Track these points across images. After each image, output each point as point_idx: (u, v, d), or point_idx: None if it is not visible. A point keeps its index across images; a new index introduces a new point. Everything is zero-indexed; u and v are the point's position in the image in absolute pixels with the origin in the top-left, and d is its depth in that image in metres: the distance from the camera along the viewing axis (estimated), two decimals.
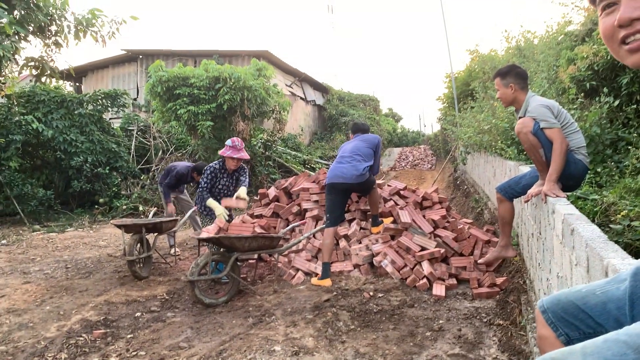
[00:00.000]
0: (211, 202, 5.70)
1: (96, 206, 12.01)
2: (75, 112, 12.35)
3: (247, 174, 6.18)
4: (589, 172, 3.83)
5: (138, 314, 4.79)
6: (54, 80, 8.72)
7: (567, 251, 2.44)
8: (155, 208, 8.84)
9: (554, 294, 1.42)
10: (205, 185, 5.82)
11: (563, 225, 2.54)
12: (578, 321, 1.32)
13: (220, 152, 5.86)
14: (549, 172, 3.29)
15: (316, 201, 6.52)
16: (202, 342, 3.92)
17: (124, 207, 11.60)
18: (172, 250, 7.29)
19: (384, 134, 28.48)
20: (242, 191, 5.77)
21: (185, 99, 11.09)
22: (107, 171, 12.38)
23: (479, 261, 5.04)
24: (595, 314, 1.29)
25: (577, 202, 3.54)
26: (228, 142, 5.84)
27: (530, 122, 3.42)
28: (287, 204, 6.76)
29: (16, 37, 6.64)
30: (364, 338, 3.84)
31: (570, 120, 3.51)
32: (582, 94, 5.49)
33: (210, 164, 5.94)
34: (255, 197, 7.73)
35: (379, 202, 6.05)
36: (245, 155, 5.86)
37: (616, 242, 2.59)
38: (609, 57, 5.21)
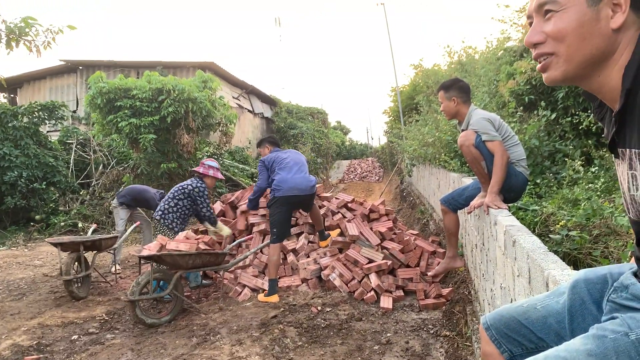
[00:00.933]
0: (222, 226, 6.11)
1: (32, 223, 11.42)
2: (9, 124, 11.74)
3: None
4: (528, 183, 3.93)
5: (75, 336, 4.54)
6: None
7: (510, 262, 2.47)
8: (95, 224, 8.48)
9: (497, 310, 1.41)
10: (209, 206, 5.93)
11: (505, 237, 2.57)
12: (520, 337, 1.31)
13: (202, 171, 5.93)
14: (491, 184, 3.35)
15: (263, 215, 6.43)
16: None
17: (62, 223, 11.09)
18: (113, 268, 7.00)
19: (333, 146, 28.66)
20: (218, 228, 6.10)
21: (126, 111, 10.76)
22: (44, 186, 11.81)
23: (429, 274, 5.08)
24: (536, 329, 1.28)
25: (518, 213, 3.62)
26: (210, 162, 6.02)
27: (472, 135, 3.48)
28: (234, 219, 6.63)
29: None
30: (311, 354, 3.77)
31: (511, 133, 3.59)
32: (522, 108, 5.67)
33: (200, 186, 5.87)
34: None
35: (320, 216, 6.01)
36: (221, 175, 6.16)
37: (555, 252, 2.65)
38: None
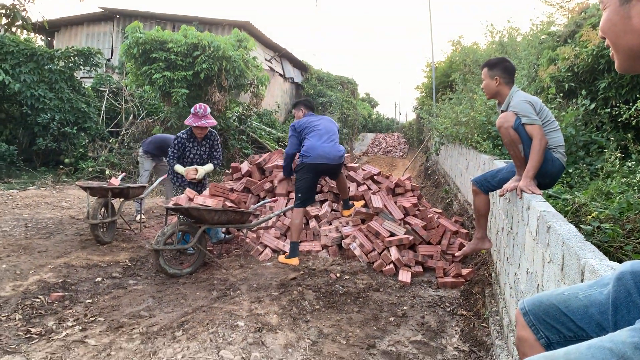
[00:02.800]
0: (178, 168, 5.67)
1: (61, 166, 11.67)
2: (45, 67, 11.89)
3: (220, 146, 6.09)
4: None
5: (98, 279, 4.68)
6: (24, 32, 8.33)
7: (541, 248, 2.45)
8: (124, 173, 8.63)
9: (536, 296, 1.40)
10: (173, 155, 5.74)
11: (538, 222, 2.54)
12: (559, 324, 1.30)
13: (185, 122, 5.72)
14: (527, 168, 3.30)
15: (289, 179, 6.46)
16: (163, 312, 3.85)
17: (90, 169, 11.31)
18: (138, 217, 7.15)
19: (359, 118, 28.47)
20: (208, 167, 5.88)
21: (161, 63, 10.79)
22: (75, 131, 12.02)
23: (456, 254, 5.07)
24: (577, 318, 1.28)
25: (548, 201, 3.58)
26: (192, 109, 5.71)
27: (511, 117, 3.42)
28: (260, 180, 6.68)
29: None
30: (328, 319, 3.83)
31: (552, 118, 3.52)
32: (561, 94, 5.54)
33: (178, 134, 5.79)
34: (227, 171, 7.62)
35: (347, 186, 6.02)
36: (210, 121, 5.70)
37: None
38: (589, 60, 5.27)
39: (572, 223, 3.05)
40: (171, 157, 5.73)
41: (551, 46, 6.97)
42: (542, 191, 3.55)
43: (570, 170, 4.52)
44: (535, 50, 7.45)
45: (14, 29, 6.87)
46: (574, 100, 5.43)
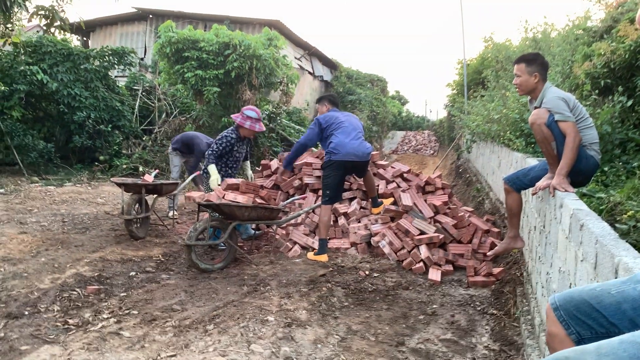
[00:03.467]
0: (212, 168, 5.66)
1: (96, 163, 11.97)
2: (81, 66, 12.20)
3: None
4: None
5: (132, 273, 4.79)
6: (61, 32, 8.57)
7: (573, 246, 2.42)
8: (157, 170, 8.79)
9: (566, 292, 1.39)
10: (216, 151, 5.71)
11: (571, 220, 2.51)
12: (591, 320, 1.29)
13: (239, 122, 5.75)
14: (560, 166, 3.25)
15: (318, 176, 6.49)
16: (195, 306, 3.93)
17: (124, 166, 11.56)
18: (171, 213, 7.29)
19: (389, 116, 28.31)
20: (250, 174, 6.36)
21: (193, 62, 10.96)
22: (110, 129, 12.30)
23: (488, 253, 5.01)
24: (609, 314, 1.27)
25: (582, 199, 3.51)
26: (249, 112, 5.77)
27: (545, 114, 3.36)
28: (289, 177, 6.73)
29: None
30: (357, 315, 3.85)
31: (586, 115, 3.45)
32: (596, 91, 5.42)
33: (226, 134, 5.81)
34: (257, 168, 7.70)
35: (374, 183, 6.01)
36: (262, 127, 5.96)
37: None
38: (626, 56, 5.13)
39: (606, 222, 3.00)
40: (212, 153, 5.72)
41: (586, 42, 6.82)
42: (576, 189, 3.49)
43: (606, 169, 4.42)
44: (570, 47, 7.30)
45: (52, 29, 7.10)
46: (610, 97, 5.31)
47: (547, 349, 1.43)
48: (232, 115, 6.06)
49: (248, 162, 6.31)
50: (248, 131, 5.80)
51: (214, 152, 5.71)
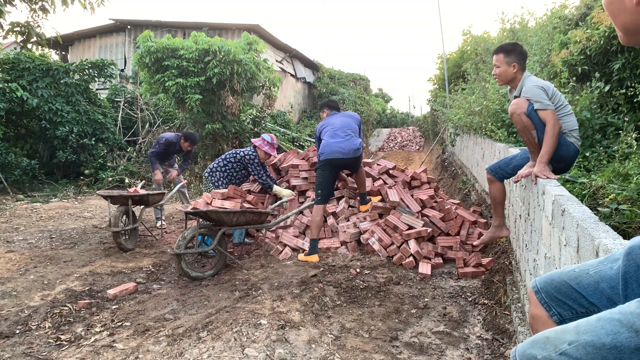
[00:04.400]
0: (277, 189, 6.23)
1: (81, 177, 11.89)
2: (61, 81, 12.12)
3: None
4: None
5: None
6: (39, 48, 8.51)
7: (557, 232, 2.46)
8: (144, 180, 8.75)
9: (547, 274, 1.42)
10: (264, 172, 6.25)
11: (553, 206, 2.55)
12: (571, 301, 1.32)
13: (258, 144, 6.14)
14: (541, 153, 3.29)
15: (305, 178, 6.50)
16: (187, 314, 3.92)
17: (110, 179, 11.49)
18: (159, 223, 7.26)
19: (373, 114, 28.39)
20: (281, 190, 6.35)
21: (174, 71, 10.91)
22: (93, 142, 12.22)
23: (474, 243, 5.06)
24: (588, 294, 1.29)
25: (565, 185, 3.55)
26: (268, 138, 6.18)
27: (524, 103, 3.41)
28: (277, 180, 6.73)
29: (1, 0, 6.45)
30: (349, 313, 3.86)
31: (565, 102, 3.50)
32: (574, 78, 5.50)
33: (252, 154, 6.14)
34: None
35: (365, 180, 6.04)
36: (275, 155, 6.61)
37: None
38: (601, 42, 5.21)
39: (590, 206, 3.05)
40: (263, 177, 6.19)
41: (563, 30, 6.90)
42: (558, 176, 3.53)
43: (587, 154, 4.49)
44: (548, 35, 7.38)
45: (29, 46, 7.05)
46: (587, 84, 5.38)
47: (531, 330, 1.45)
48: (253, 139, 6.36)
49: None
50: (264, 154, 6.17)
51: (261, 173, 6.18)
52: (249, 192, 6.53)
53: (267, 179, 6.19)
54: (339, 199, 6.38)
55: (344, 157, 5.42)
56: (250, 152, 6.13)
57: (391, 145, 28.42)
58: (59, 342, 3.50)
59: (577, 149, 3.50)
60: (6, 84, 10.88)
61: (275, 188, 6.18)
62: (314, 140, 16.58)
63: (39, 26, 6.89)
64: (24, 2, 6.56)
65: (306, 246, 5.48)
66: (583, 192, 3.33)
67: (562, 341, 1.05)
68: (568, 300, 1.32)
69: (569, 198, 2.47)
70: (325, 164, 5.49)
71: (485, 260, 4.95)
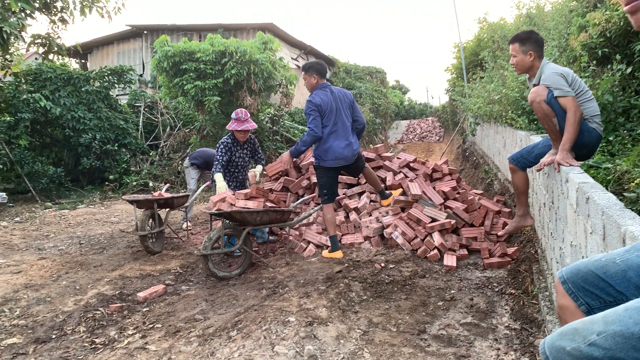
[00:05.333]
0: (218, 177, 5.79)
1: (106, 183, 12.10)
2: (82, 89, 12.34)
3: (259, 146, 6.39)
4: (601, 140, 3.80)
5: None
6: (60, 57, 8.70)
7: (582, 220, 2.44)
8: (168, 184, 8.88)
9: (573, 264, 1.43)
10: (220, 159, 5.92)
11: (577, 194, 2.53)
12: (599, 290, 1.32)
13: (228, 127, 5.95)
14: (562, 141, 3.27)
15: None
16: (217, 314, 3.98)
17: (134, 183, 11.67)
18: (185, 225, 7.37)
19: (391, 106, 28.28)
20: (258, 170, 6.18)
21: (191, 74, 11.02)
22: (116, 148, 12.43)
23: (499, 234, 5.03)
24: (615, 283, 1.30)
25: (589, 171, 3.52)
26: (233, 114, 5.95)
27: (543, 91, 3.38)
28: (297, 178, 6.77)
29: (22, 14, 6.60)
30: (376, 308, 3.88)
31: (585, 88, 3.46)
32: (594, 62, 5.41)
33: (222, 139, 6.03)
34: (264, 172, 7.75)
35: (376, 177, 5.89)
36: (252, 124, 5.97)
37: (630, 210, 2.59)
38: (622, 24, 5.12)
39: (615, 192, 3.02)
40: (217, 162, 5.92)
41: (581, 13, 6.79)
42: (581, 162, 3.50)
43: (611, 138, 4.42)
44: (565, 19, 7.27)
45: (50, 56, 7.20)
46: (608, 67, 5.29)
47: (559, 320, 1.46)
48: None
49: (260, 166, 6.31)
50: (238, 133, 5.94)
51: (217, 161, 5.92)
52: (271, 190, 6.59)
53: (216, 166, 5.88)
54: (360, 194, 6.40)
55: (346, 163, 5.34)
56: (223, 139, 6.05)
57: (410, 137, 28.28)
58: (94, 346, 3.59)
59: (600, 134, 3.47)
60: (30, 95, 11.13)
61: (216, 176, 5.78)
62: None
63: (59, 37, 7.05)
64: (44, 14, 6.71)
65: (329, 243, 5.51)
66: (608, 178, 3.29)
67: (591, 332, 1.06)
68: (595, 290, 1.33)
69: (593, 185, 2.45)
70: (327, 167, 5.31)
71: (510, 250, 4.93)
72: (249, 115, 5.99)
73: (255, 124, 6.06)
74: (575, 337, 1.09)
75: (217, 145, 6.00)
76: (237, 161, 6.12)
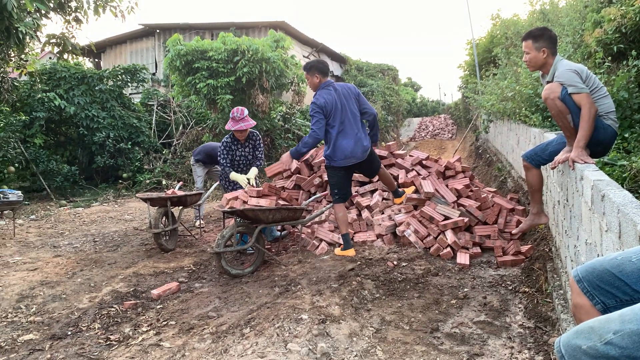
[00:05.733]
0: (234, 175, 5.84)
1: (120, 181, 12.21)
2: (96, 88, 12.45)
3: (262, 145, 6.24)
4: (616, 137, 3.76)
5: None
6: (74, 56, 8.81)
7: (597, 218, 2.42)
8: (181, 182, 8.93)
9: (588, 263, 1.42)
10: (225, 161, 5.97)
11: (592, 192, 2.51)
12: (614, 289, 1.31)
13: (226, 127, 5.93)
14: (577, 138, 3.24)
15: None
16: (230, 311, 4.01)
17: (148, 181, 11.76)
18: (197, 223, 7.41)
19: (403, 104, 28.18)
20: (252, 173, 5.94)
21: (204, 72, 11.07)
22: (130, 146, 12.53)
23: (512, 232, 5.00)
24: (632, 281, 1.29)
25: (604, 169, 3.49)
26: (230, 114, 5.91)
27: (557, 88, 3.35)
28: (309, 176, 6.78)
29: (37, 14, 6.68)
30: (389, 306, 3.88)
31: (600, 85, 3.43)
32: (609, 58, 5.35)
33: (223, 139, 6.06)
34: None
35: (390, 177, 5.83)
36: (248, 123, 5.85)
37: None
38: (637, 19, 5.06)
39: (630, 189, 2.99)
40: (223, 163, 5.97)
41: (595, 9, 6.71)
42: (596, 160, 3.47)
43: (627, 135, 4.38)
44: (579, 15, 7.20)
45: (65, 56, 7.30)
46: (624, 63, 5.23)
47: (574, 319, 1.45)
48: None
49: (254, 169, 6.04)
50: (236, 132, 5.91)
51: (223, 162, 5.97)
52: (283, 188, 6.60)
53: (225, 165, 5.98)
54: (372, 191, 6.39)
55: (357, 161, 5.26)
56: (223, 140, 6.06)
57: (423, 135, 28.20)
58: (108, 342, 3.63)
59: (615, 131, 3.43)
60: (45, 94, 11.25)
61: (232, 175, 5.93)
62: None
63: (73, 37, 7.14)
64: (59, 14, 6.79)
65: (342, 241, 5.51)
66: (623, 175, 3.26)
67: (607, 330, 1.05)
68: (611, 289, 1.32)
69: (608, 182, 2.43)
70: (337, 168, 5.26)
71: (524, 248, 4.90)
72: (246, 113, 5.88)
73: (252, 122, 5.88)
74: (592, 335, 1.09)
75: (219, 145, 6.03)
76: (239, 160, 6.10)
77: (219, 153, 6.02)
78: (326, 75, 5.31)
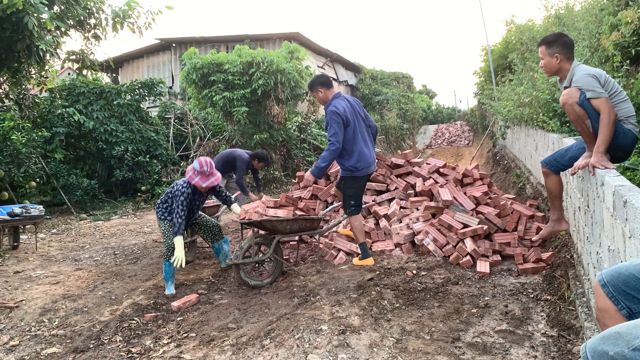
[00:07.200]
0: (177, 241, 4.90)
1: (139, 194, 12.34)
2: (114, 102, 12.65)
3: (222, 187, 5.72)
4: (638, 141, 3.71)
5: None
6: (93, 72, 9.00)
7: (619, 224, 2.39)
8: None
9: (613, 267, 1.40)
10: (183, 212, 4.97)
11: (614, 197, 2.48)
12: None
13: (192, 181, 5.02)
14: (597, 143, 3.20)
15: None
16: (249, 322, 4.01)
17: None
18: None
19: (419, 111, 28.12)
20: (236, 211, 5.60)
21: (220, 85, 11.19)
22: (148, 159, 12.66)
23: (533, 239, 4.93)
24: None
25: (625, 174, 3.44)
26: (195, 164, 5.08)
27: (575, 93, 3.32)
28: (325, 186, 6.78)
29: (57, 32, 6.83)
30: (409, 316, 3.85)
31: (619, 89, 3.39)
32: (627, 61, 5.29)
33: (181, 190, 5.03)
34: (293, 180, 7.79)
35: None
36: (218, 177, 5.18)
37: None
38: None
39: None
40: (178, 223, 4.94)
41: (612, 12, 6.65)
42: (617, 165, 3.42)
43: None
44: (595, 19, 7.13)
45: (84, 72, 7.44)
46: None
47: (598, 324, 1.43)
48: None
49: (236, 206, 5.66)
50: (199, 186, 5.06)
51: (178, 222, 4.94)
52: (300, 199, 6.61)
53: (177, 220, 4.93)
54: (390, 200, 6.37)
55: (374, 169, 5.34)
56: (179, 186, 5.07)
57: (439, 142, 28.06)
58: (130, 355, 3.66)
59: (636, 135, 3.39)
60: (64, 109, 11.46)
61: (175, 240, 4.91)
62: None
63: (92, 53, 7.29)
64: (78, 31, 6.94)
65: (360, 250, 5.49)
66: None
67: (635, 336, 1.04)
68: (637, 294, 1.30)
69: (630, 188, 2.40)
70: (359, 177, 5.20)
71: (545, 255, 4.83)
72: (213, 164, 5.15)
73: (219, 175, 5.24)
74: (619, 341, 1.07)
75: (176, 195, 5.04)
76: (198, 205, 5.43)
77: (178, 203, 4.99)
78: (330, 86, 5.22)
